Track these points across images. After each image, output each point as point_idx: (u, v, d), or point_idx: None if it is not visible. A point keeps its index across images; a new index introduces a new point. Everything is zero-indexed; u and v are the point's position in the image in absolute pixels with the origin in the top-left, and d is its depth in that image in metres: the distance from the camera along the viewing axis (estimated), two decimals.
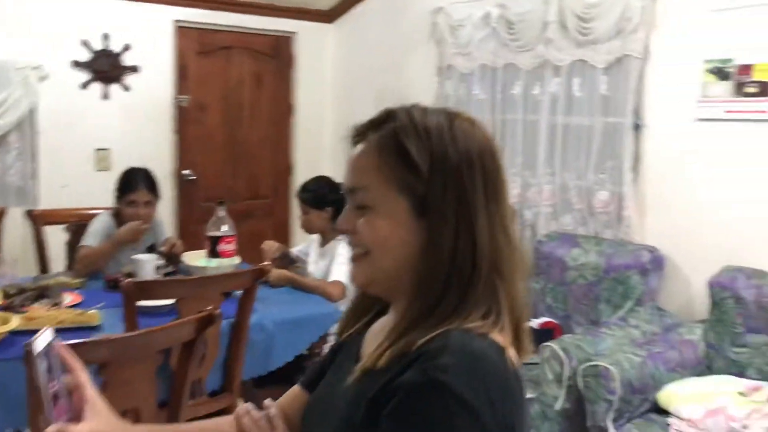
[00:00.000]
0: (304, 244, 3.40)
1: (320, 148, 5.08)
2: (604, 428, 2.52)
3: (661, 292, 3.13)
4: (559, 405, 2.67)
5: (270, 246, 3.19)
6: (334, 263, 3.02)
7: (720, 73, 2.93)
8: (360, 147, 0.95)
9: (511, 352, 0.87)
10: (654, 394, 2.60)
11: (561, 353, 2.68)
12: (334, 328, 2.93)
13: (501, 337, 0.86)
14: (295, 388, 1.12)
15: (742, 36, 2.85)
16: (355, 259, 0.93)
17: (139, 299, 2.26)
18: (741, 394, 2.50)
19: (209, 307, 1.93)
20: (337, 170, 4.72)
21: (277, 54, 4.92)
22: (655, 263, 3.09)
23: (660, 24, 3.16)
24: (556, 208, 3.62)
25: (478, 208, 0.88)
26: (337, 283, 2.95)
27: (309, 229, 3.21)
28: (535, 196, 3.69)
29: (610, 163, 3.36)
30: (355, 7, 4.87)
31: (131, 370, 1.79)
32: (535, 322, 3.29)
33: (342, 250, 3.01)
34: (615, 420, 2.52)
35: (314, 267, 3.20)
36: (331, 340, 3.03)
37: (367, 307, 1.03)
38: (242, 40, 4.73)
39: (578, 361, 2.64)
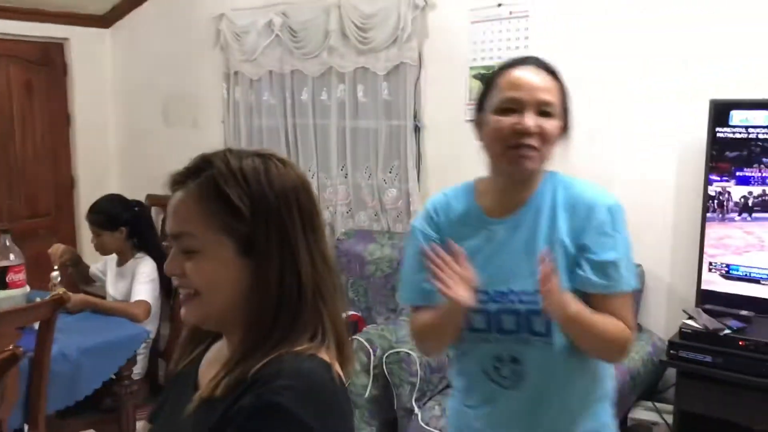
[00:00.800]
0: (100, 263, 3.27)
1: (105, 159, 4.86)
2: (410, 408, 2.76)
3: None
4: (368, 393, 2.87)
5: (56, 250, 3.02)
6: (135, 282, 2.94)
7: (483, 78, 3.29)
8: (179, 194, 0.97)
9: (337, 367, 0.97)
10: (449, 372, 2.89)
11: (366, 344, 2.88)
12: (141, 349, 2.89)
13: (327, 355, 0.96)
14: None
15: (499, 44, 3.24)
16: (186, 300, 0.98)
17: None
18: None
19: (9, 347, 1.84)
20: (125, 182, 4.65)
21: (48, 62, 4.61)
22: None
23: (431, 34, 3.47)
24: (351, 207, 3.83)
25: (299, 243, 0.96)
26: (140, 302, 2.89)
27: (103, 251, 3.09)
28: (332, 197, 3.87)
29: (396, 163, 3.63)
30: (131, 12, 4.70)
31: None
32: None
33: (144, 269, 2.95)
34: (418, 399, 2.77)
35: (113, 288, 3.09)
36: (141, 361, 2.97)
37: (201, 337, 1.08)
38: (7, 47, 4.37)
39: (382, 349, 2.85)
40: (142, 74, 4.69)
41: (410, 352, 2.76)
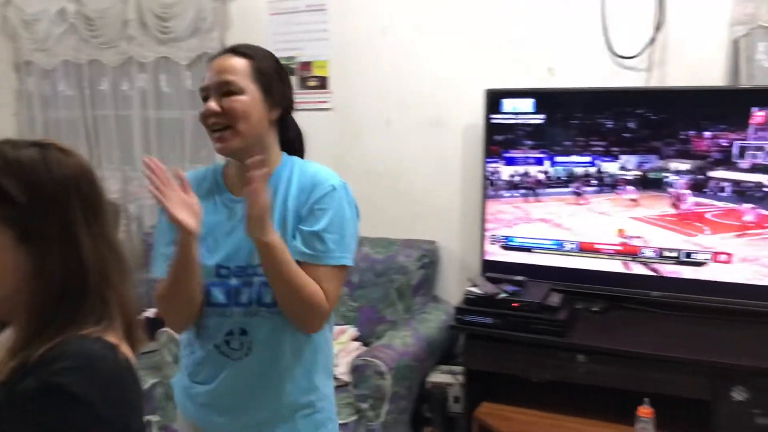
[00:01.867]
0: None
1: None
2: None
3: None
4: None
5: None
6: None
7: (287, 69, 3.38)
8: None
9: (124, 348, 1.01)
10: None
11: (176, 336, 2.88)
12: None
13: (113, 337, 1.00)
14: None
15: (299, 36, 3.34)
16: None
17: None
18: None
19: None
20: None
21: None
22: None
23: (232, 24, 3.50)
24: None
25: (81, 230, 0.99)
26: None
27: None
28: (138, 189, 3.79)
29: (204, 153, 3.63)
30: None
31: None
32: (151, 311, 3.43)
33: None
34: None
35: None
36: None
37: None
38: None
39: None
40: None
41: None
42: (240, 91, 1.48)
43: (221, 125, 1.48)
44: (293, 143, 1.64)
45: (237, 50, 1.52)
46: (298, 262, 1.47)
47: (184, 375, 1.65)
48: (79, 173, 1.01)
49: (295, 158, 1.60)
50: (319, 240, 1.49)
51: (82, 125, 3.83)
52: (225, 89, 1.47)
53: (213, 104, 1.48)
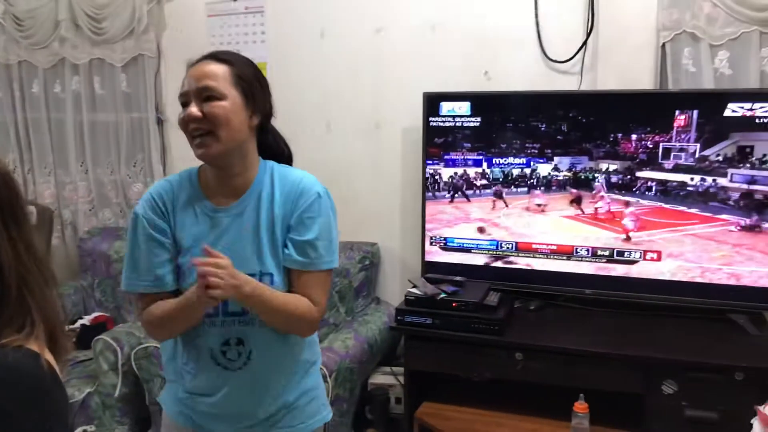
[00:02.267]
0: None
1: None
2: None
3: None
4: (117, 392, 2.82)
5: None
6: None
7: None
8: None
9: (48, 356, 0.98)
10: None
11: (113, 342, 2.82)
12: None
13: (35, 345, 0.97)
14: None
15: (237, 38, 3.31)
16: None
17: None
18: None
19: None
20: None
21: None
22: None
23: (169, 26, 3.44)
24: (94, 204, 3.68)
25: None
26: None
27: None
28: (72, 194, 3.69)
29: (141, 156, 3.56)
30: None
31: None
32: (87, 319, 3.35)
33: None
34: None
35: None
36: None
37: None
38: None
39: (130, 346, 2.81)
40: None
41: (159, 345, 2.76)
42: (221, 97, 1.47)
43: (202, 131, 1.46)
44: (273, 149, 1.64)
45: (217, 56, 1.52)
46: (290, 271, 1.54)
47: (178, 387, 1.64)
48: None
49: (271, 163, 1.60)
50: (311, 248, 1.53)
51: (13, 128, 3.71)
52: (205, 95, 1.46)
53: (194, 109, 1.46)
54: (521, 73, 2.90)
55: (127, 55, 3.46)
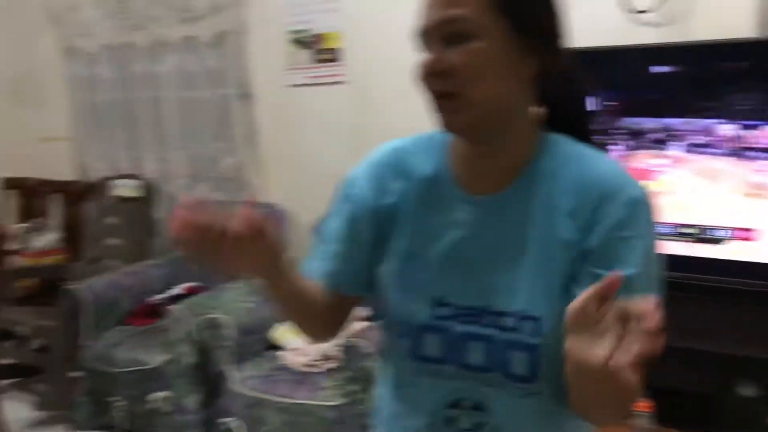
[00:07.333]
0: None
1: None
2: (226, 371, 2.81)
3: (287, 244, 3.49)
4: (188, 360, 2.90)
5: None
6: None
7: (300, 42, 3.31)
8: None
9: None
10: (267, 334, 2.95)
11: (184, 312, 2.90)
12: None
13: None
14: None
15: (313, 8, 3.25)
16: None
17: None
18: None
19: None
20: None
21: None
22: (276, 218, 3.43)
23: (251, 1, 3.45)
24: (191, 179, 3.82)
25: None
26: None
27: None
28: (173, 169, 3.86)
29: (229, 132, 3.63)
30: None
31: None
32: (180, 288, 3.50)
33: None
34: (235, 362, 2.82)
35: None
36: None
37: None
38: None
39: (197, 317, 2.88)
40: None
41: (222, 316, 2.81)
42: (472, 34, 0.93)
43: (439, 91, 0.96)
44: (561, 111, 1.05)
45: None
46: None
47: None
48: None
49: (561, 139, 1.03)
50: (625, 290, 0.79)
51: (123, 108, 3.94)
52: (448, 33, 0.94)
53: (433, 58, 0.95)
54: (598, 27, 2.56)
55: (214, 32, 3.52)
